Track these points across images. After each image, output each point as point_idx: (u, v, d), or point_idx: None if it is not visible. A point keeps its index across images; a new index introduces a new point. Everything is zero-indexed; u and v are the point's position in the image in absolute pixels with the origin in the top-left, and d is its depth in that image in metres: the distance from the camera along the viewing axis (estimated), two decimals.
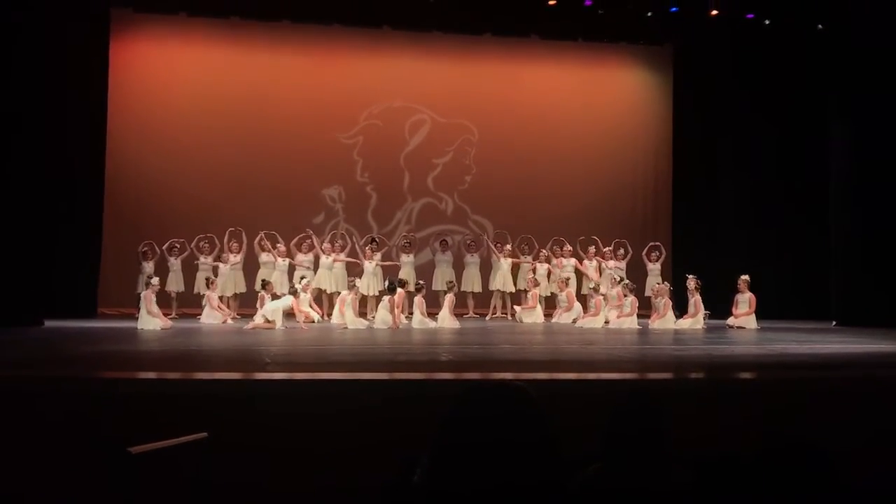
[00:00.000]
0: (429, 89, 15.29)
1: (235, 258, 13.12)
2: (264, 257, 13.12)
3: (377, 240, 13.92)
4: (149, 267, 12.60)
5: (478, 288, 14.15)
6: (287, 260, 13.07)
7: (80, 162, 13.13)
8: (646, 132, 15.85)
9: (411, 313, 12.23)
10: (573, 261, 13.84)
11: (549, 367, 6.99)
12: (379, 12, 14.47)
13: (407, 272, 13.60)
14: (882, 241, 12.22)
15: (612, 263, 13.61)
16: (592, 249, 13.92)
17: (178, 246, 13.16)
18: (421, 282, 12.62)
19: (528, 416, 1.55)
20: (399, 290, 11.76)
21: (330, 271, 13.05)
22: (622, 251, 13.99)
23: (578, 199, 15.31)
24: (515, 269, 14.13)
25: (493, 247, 14.10)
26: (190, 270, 13.21)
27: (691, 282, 12.36)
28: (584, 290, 13.44)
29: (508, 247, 13.97)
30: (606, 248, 13.82)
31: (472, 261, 14.20)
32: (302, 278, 12.40)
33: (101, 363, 6.97)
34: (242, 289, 13.17)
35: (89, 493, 4.06)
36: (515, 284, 14.09)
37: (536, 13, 14.39)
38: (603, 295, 12.52)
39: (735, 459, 2.23)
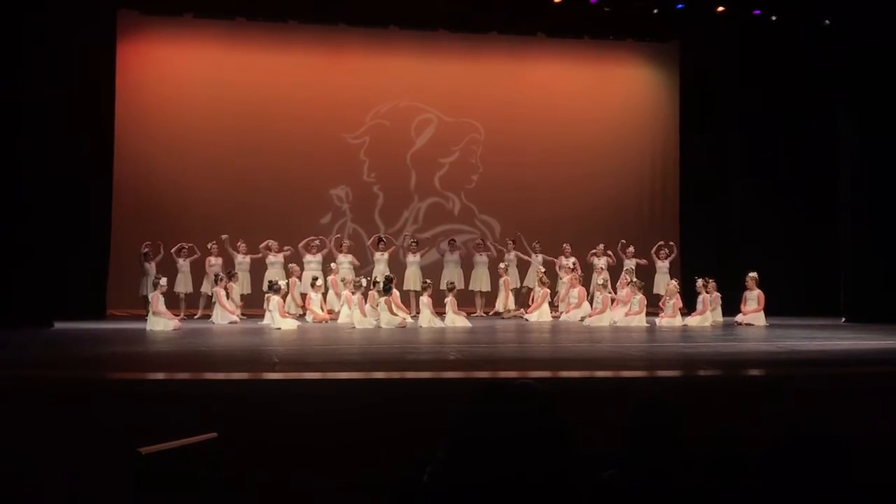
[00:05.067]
0: (435, 88, 15.27)
1: (244, 258, 13.17)
2: (271, 258, 13.20)
3: (384, 239, 13.94)
4: (152, 268, 12.62)
5: (486, 287, 14.16)
6: (281, 254, 13.17)
7: (88, 163, 13.16)
8: (653, 129, 15.79)
9: (418, 312, 12.24)
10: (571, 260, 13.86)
11: (558, 366, 6.99)
12: (385, 12, 14.45)
13: (413, 272, 13.64)
14: (891, 237, 12.16)
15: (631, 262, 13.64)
16: (602, 247, 13.94)
17: (187, 248, 13.17)
18: (428, 280, 12.64)
19: (542, 415, 1.55)
20: (394, 289, 11.84)
21: (336, 276, 13.13)
22: (630, 249, 14.00)
23: (586, 197, 15.27)
24: (524, 267, 14.15)
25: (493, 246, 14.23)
26: (198, 272, 13.22)
27: (700, 282, 12.37)
28: (592, 287, 13.43)
29: (513, 253, 14.00)
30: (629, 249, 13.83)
31: (481, 260, 14.20)
32: (315, 279, 12.54)
33: (111, 364, 7.00)
34: (248, 290, 13.23)
35: (99, 494, 4.08)
36: (522, 282, 14.13)
37: (542, 11, 14.35)
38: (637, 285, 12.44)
39: (747, 456, 2.22)
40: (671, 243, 14.16)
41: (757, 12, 14.14)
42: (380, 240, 13.88)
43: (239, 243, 13.22)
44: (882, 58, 12.15)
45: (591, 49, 15.70)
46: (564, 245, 14.00)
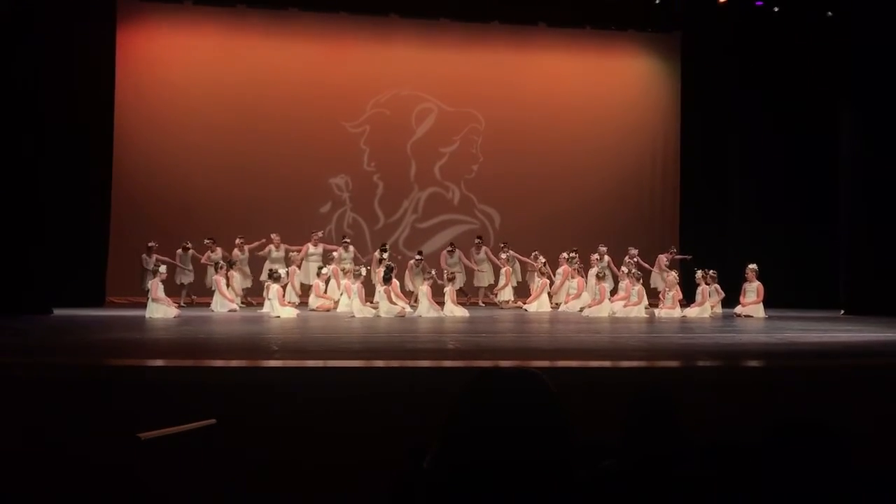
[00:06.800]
0: (436, 78, 15.23)
1: (243, 254, 13.14)
2: (274, 252, 13.23)
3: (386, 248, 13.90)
4: (152, 261, 12.57)
5: (489, 282, 14.16)
6: (283, 247, 13.18)
7: (88, 151, 13.11)
8: (654, 120, 15.77)
9: (417, 302, 12.24)
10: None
11: (557, 356, 6.99)
12: (386, 0, 14.39)
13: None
14: (889, 230, 12.17)
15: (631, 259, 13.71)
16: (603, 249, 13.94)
17: (190, 245, 13.09)
18: (432, 271, 12.64)
19: (542, 401, 1.55)
20: (394, 279, 11.85)
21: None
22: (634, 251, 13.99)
23: (585, 188, 15.26)
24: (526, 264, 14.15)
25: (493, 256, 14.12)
26: (200, 265, 13.22)
27: (700, 273, 12.41)
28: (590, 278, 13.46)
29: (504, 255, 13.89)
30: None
31: (481, 258, 14.14)
32: (320, 268, 12.56)
33: (111, 351, 7.00)
34: (248, 283, 13.23)
35: (99, 479, 4.08)
36: (524, 276, 14.12)
37: (544, 0, 14.29)
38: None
39: (744, 447, 2.22)
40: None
41: (759, 3, 14.09)
42: (382, 243, 13.94)
43: (238, 240, 13.10)
44: (883, 52, 12.12)
45: (592, 39, 15.65)
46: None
